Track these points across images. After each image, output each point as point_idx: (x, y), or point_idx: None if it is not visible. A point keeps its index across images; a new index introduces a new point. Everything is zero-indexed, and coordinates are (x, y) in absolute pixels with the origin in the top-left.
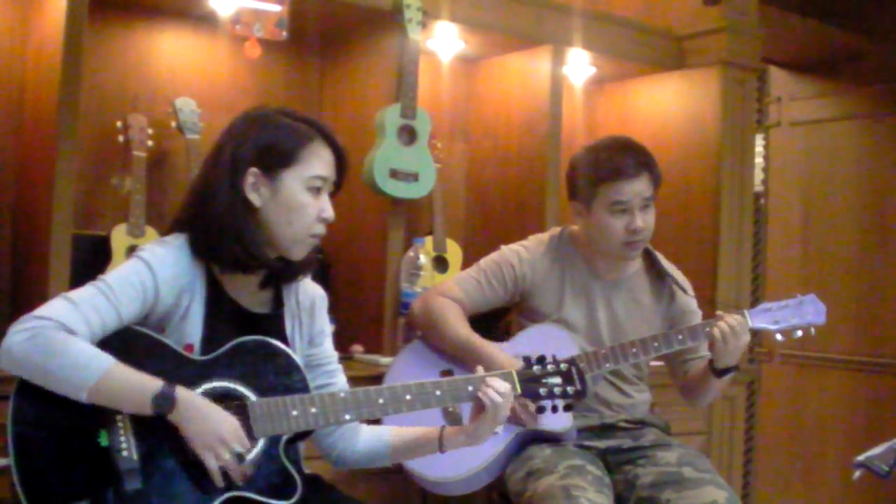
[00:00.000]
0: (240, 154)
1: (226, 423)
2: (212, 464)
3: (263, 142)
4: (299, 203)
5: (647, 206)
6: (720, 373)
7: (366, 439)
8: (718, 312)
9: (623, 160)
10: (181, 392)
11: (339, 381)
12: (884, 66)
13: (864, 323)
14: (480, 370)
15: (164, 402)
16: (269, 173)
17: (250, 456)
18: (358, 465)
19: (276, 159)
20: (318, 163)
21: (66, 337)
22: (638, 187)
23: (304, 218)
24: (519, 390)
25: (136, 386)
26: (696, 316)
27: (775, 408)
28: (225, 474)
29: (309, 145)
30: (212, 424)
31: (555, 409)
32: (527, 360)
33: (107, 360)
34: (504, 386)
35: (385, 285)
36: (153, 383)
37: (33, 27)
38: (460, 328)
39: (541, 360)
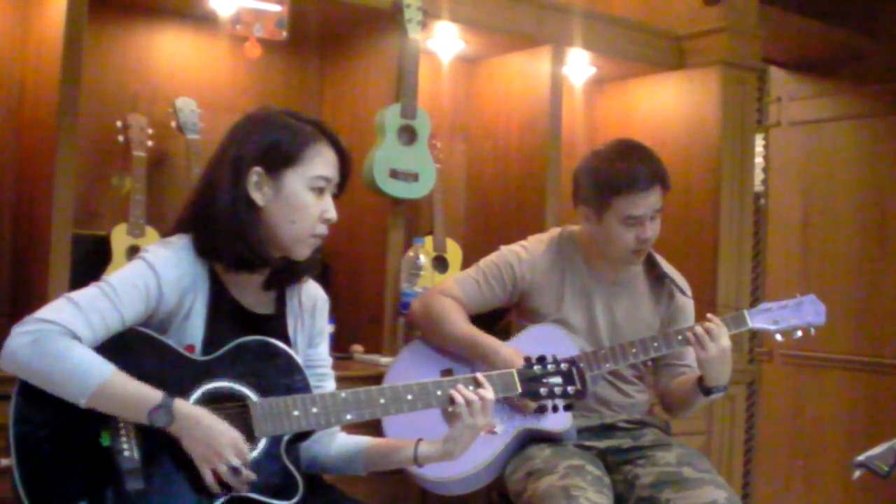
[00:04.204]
0: (243, 153)
1: (224, 436)
2: (208, 477)
3: (267, 141)
4: (302, 203)
5: (656, 216)
6: (708, 391)
7: (341, 444)
8: (709, 315)
9: (638, 173)
10: (179, 405)
11: (328, 386)
12: (884, 66)
13: (864, 323)
14: (479, 375)
15: (162, 415)
16: (272, 172)
17: (253, 454)
18: (332, 469)
19: (279, 159)
20: (321, 163)
21: (69, 342)
22: (651, 200)
23: (306, 218)
24: (519, 389)
25: (135, 397)
26: (692, 318)
27: (775, 408)
28: (224, 483)
29: (313, 146)
30: (210, 438)
31: (555, 408)
32: (527, 359)
33: (107, 369)
34: (472, 395)
35: (385, 285)
36: (152, 395)
37: (33, 27)
38: (461, 324)
39: (541, 359)
